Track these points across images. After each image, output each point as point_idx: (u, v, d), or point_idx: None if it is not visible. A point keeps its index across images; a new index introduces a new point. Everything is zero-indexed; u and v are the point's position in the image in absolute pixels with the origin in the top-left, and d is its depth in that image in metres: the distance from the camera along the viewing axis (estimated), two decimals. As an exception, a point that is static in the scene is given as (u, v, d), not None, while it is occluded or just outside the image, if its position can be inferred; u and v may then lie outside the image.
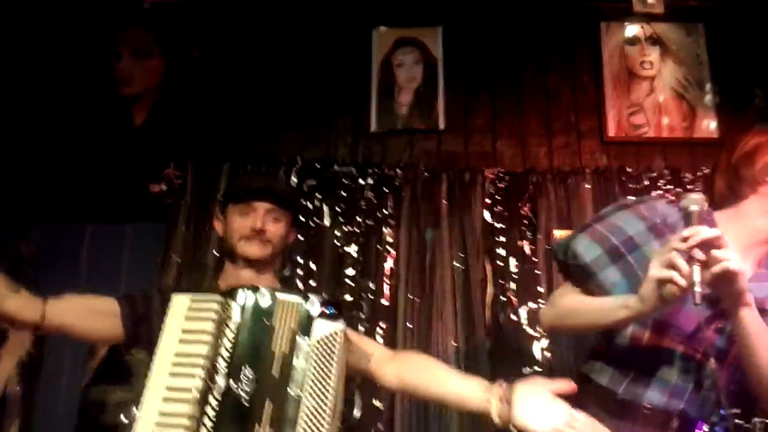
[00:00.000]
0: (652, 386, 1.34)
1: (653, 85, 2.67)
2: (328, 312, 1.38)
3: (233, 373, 1.25)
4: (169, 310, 1.30)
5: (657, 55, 2.70)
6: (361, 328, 2.23)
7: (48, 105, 2.57)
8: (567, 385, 1.30)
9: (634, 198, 1.52)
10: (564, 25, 2.69)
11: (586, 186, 2.43)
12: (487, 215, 2.41)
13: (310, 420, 1.28)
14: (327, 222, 2.40)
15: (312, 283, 2.30)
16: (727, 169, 1.39)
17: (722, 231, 1.23)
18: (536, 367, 2.16)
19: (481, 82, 2.65)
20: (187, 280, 2.19)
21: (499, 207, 2.42)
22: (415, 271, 2.31)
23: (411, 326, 2.22)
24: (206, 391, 1.23)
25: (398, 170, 2.46)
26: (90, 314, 1.46)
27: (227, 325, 1.29)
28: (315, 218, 2.40)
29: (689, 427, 1.33)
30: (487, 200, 2.42)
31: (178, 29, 2.64)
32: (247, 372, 1.26)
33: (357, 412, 2.12)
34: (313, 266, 2.34)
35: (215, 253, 2.27)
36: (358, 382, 2.14)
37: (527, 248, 2.36)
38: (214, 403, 1.23)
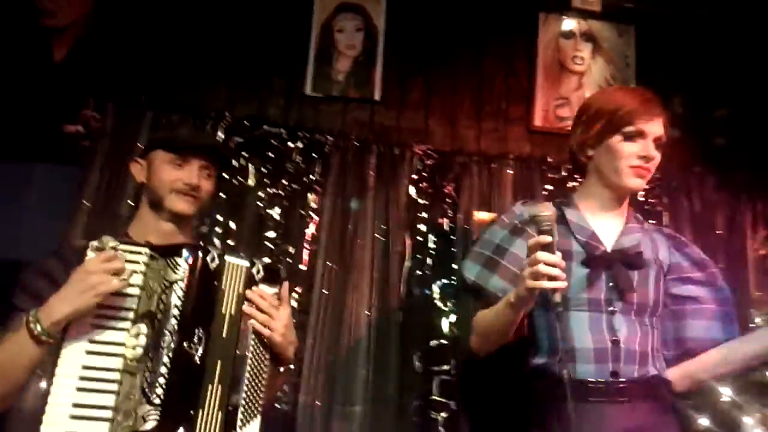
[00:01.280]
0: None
1: (582, 81, 2.77)
2: (269, 276, 1.44)
3: (185, 332, 1.25)
4: (86, 257, 1.25)
5: (589, 51, 2.80)
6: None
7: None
8: None
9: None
10: (504, 12, 2.73)
11: (509, 172, 2.51)
12: (412, 190, 2.45)
13: (254, 378, 1.34)
14: (251, 182, 2.37)
15: (231, 242, 2.27)
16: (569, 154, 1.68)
17: (584, 207, 1.56)
18: (443, 340, 2.25)
19: (419, 57, 2.67)
20: (96, 227, 2.11)
21: (424, 183, 2.47)
22: (336, 239, 2.33)
23: (326, 293, 2.25)
24: (152, 347, 1.23)
25: (329, 137, 2.45)
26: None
27: (174, 283, 1.27)
28: (239, 177, 2.36)
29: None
30: (414, 176, 2.46)
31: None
32: (199, 332, 1.27)
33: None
34: (233, 226, 2.31)
35: (129, 202, 2.20)
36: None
37: (446, 226, 2.42)
38: (165, 360, 1.23)
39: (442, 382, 2.18)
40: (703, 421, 1.91)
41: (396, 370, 2.18)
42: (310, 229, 2.35)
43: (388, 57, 2.62)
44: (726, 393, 1.60)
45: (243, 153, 2.39)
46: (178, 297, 1.27)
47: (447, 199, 2.46)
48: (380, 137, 2.52)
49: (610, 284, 1.46)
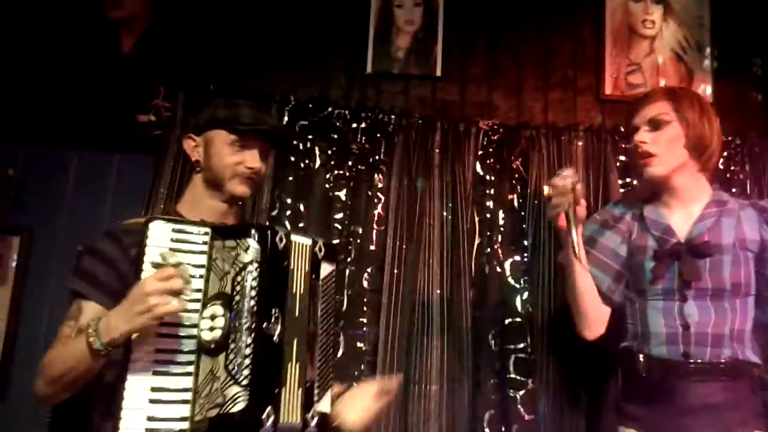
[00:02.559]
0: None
1: (653, 45, 2.64)
2: (330, 254, 1.45)
3: (263, 313, 1.25)
4: (147, 238, 1.24)
5: (660, 14, 2.66)
6: (347, 272, 2.24)
7: (33, 28, 2.45)
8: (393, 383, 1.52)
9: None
10: (568, -23, 2.63)
11: (579, 143, 2.42)
12: (478, 166, 2.40)
13: (324, 355, 1.39)
14: (317, 164, 2.38)
15: (300, 225, 2.29)
16: None
17: (662, 201, 1.67)
18: (517, 318, 2.21)
19: (481, 31, 2.60)
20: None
21: (490, 159, 2.41)
22: (404, 218, 2.31)
23: (397, 272, 2.24)
24: (232, 329, 1.23)
25: (392, 116, 2.43)
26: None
27: (249, 264, 1.26)
28: (306, 160, 2.37)
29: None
30: (480, 152, 2.41)
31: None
32: (275, 312, 1.28)
33: (340, 352, 2.16)
34: (301, 208, 2.33)
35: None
36: (341, 325, 2.18)
37: (516, 202, 2.37)
38: (248, 341, 1.23)
39: (518, 359, 2.15)
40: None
41: (470, 349, 2.16)
42: (378, 210, 2.34)
43: (448, 31, 2.57)
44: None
45: (308, 135, 2.39)
46: (254, 278, 1.26)
47: (515, 175, 2.40)
48: (443, 114, 2.48)
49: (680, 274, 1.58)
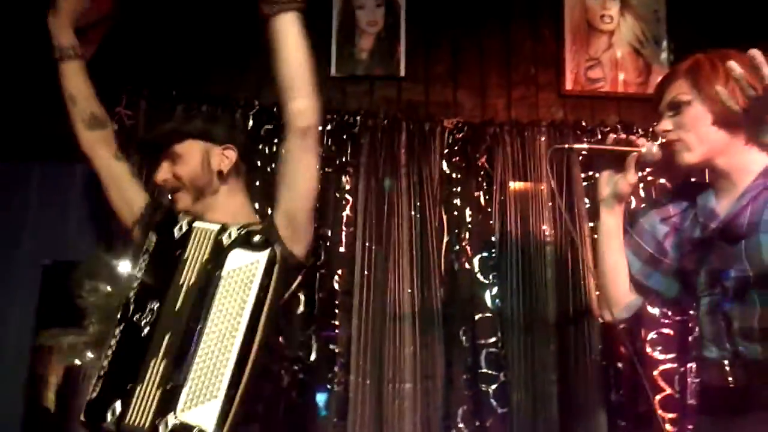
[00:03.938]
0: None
1: (611, 40, 2.70)
2: (247, 242, 1.27)
3: (139, 306, 1.24)
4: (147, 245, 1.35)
5: (617, 9, 2.71)
6: (318, 275, 2.25)
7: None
8: None
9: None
10: (527, -25, 2.67)
11: (542, 139, 2.47)
12: (444, 165, 2.43)
13: (213, 353, 1.18)
14: (285, 167, 2.37)
15: (269, 229, 2.29)
16: None
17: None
18: (487, 313, 2.25)
19: (443, 29, 2.62)
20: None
21: (456, 157, 2.44)
22: (373, 219, 2.33)
23: (367, 273, 2.26)
24: (120, 324, 1.27)
25: (358, 117, 2.44)
26: (123, 180, 1.56)
27: (142, 256, 1.30)
28: (272, 164, 2.37)
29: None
30: (446, 150, 2.44)
31: (127, -46, 2.49)
32: (152, 305, 1.23)
33: (313, 356, 2.17)
34: (269, 212, 2.32)
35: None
36: (314, 328, 2.19)
37: (482, 199, 2.40)
38: (116, 332, 1.24)
39: (489, 354, 2.18)
40: None
41: (443, 346, 2.19)
42: (346, 211, 2.35)
43: (411, 31, 2.58)
44: None
45: (274, 140, 2.39)
46: (140, 269, 1.27)
47: (481, 172, 2.44)
48: (409, 113, 2.50)
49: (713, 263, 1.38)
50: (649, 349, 2.22)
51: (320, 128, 2.36)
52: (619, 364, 2.19)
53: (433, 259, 2.28)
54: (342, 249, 2.31)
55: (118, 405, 1.16)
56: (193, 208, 1.42)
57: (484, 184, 2.42)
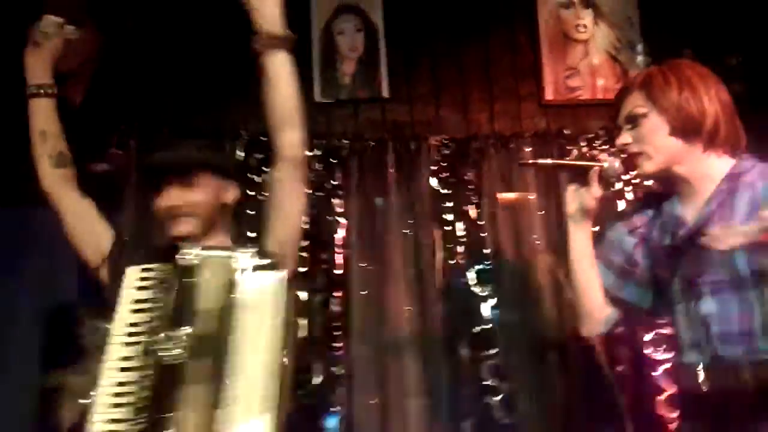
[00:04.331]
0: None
1: (587, 48, 2.76)
2: (259, 264, 1.32)
3: (166, 335, 1.26)
4: (123, 283, 1.33)
5: (591, 18, 2.78)
6: (316, 298, 2.28)
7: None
8: None
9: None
10: (502, -9, 2.73)
11: (527, 149, 2.51)
12: (433, 182, 2.47)
13: (245, 375, 1.22)
14: (277, 195, 2.41)
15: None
16: None
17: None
18: (485, 325, 2.28)
19: (422, 49, 2.68)
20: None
21: (444, 173, 2.49)
22: (367, 239, 2.37)
23: (365, 293, 2.28)
24: (146, 356, 1.26)
25: (344, 141, 2.48)
26: (88, 218, 1.55)
27: (168, 290, 1.30)
28: (264, 192, 2.40)
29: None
30: (433, 167, 2.48)
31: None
32: (179, 333, 1.25)
33: (316, 379, 2.18)
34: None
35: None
36: (315, 352, 2.21)
37: (473, 212, 2.44)
38: (145, 364, 1.25)
39: (491, 365, 2.21)
40: None
41: (444, 360, 2.22)
42: (340, 233, 2.39)
43: (391, 53, 2.64)
44: None
45: (264, 168, 2.43)
46: (159, 299, 1.31)
47: (469, 186, 2.48)
48: (394, 134, 2.55)
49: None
50: (649, 350, 2.25)
51: (308, 153, 2.44)
52: (620, 369, 2.21)
53: (428, 275, 2.31)
54: (338, 271, 2.34)
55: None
56: (194, 236, 1.46)
57: (473, 197, 2.46)
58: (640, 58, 2.76)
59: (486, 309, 2.30)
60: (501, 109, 2.64)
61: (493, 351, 2.22)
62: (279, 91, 1.47)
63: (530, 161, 1.50)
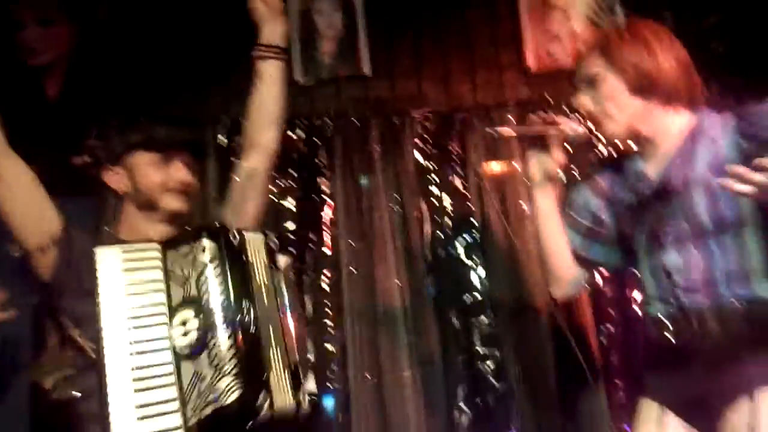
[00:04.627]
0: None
1: (568, 14, 2.74)
2: (282, 246, 1.47)
3: (234, 306, 1.28)
4: (97, 265, 1.28)
5: (569, -17, 2.76)
6: (306, 278, 2.29)
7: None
8: None
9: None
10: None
11: (510, 118, 2.50)
12: (418, 156, 2.47)
13: (292, 341, 1.37)
14: (261, 178, 2.40)
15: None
16: None
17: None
18: (476, 294, 2.29)
19: (402, 23, 2.65)
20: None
21: (429, 147, 2.48)
22: (354, 217, 2.37)
23: (354, 271, 2.29)
24: (207, 327, 1.25)
25: (328, 120, 2.47)
26: (36, 192, 1.45)
27: (209, 263, 1.28)
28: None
29: None
30: (418, 141, 2.48)
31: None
32: (245, 304, 1.30)
33: (311, 357, 2.20)
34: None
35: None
36: (307, 331, 2.21)
37: (459, 184, 2.44)
38: (227, 334, 1.25)
39: (483, 334, 2.22)
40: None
41: (436, 331, 2.23)
42: (327, 213, 2.39)
43: (370, 30, 2.61)
44: None
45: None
46: (217, 275, 1.28)
47: (454, 158, 2.48)
48: (377, 110, 2.53)
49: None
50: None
51: (292, 135, 2.44)
52: (611, 328, 2.23)
53: (417, 249, 2.32)
54: (326, 250, 2.34)
55: (263, 394, 1.24)
56: (182, 214, 1.53)
57: (459, 169, 2.46)
58: (619, 22, 2.74)
59: (475, 278, 2.31)
60: (483, 79, 2.63)
61: (483, 319, 2.24)
62: (270, 94, 1.65)
63: (492, 129, 1.48)
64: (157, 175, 1.48)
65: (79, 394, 1.42)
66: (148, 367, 1.25)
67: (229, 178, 2.30)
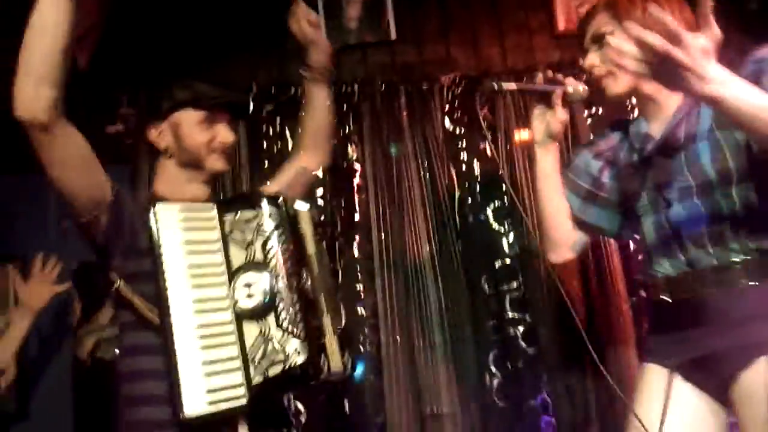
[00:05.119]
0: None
1: (598, -25, 2.67)
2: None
3: (296, 272, 1.34)
4: (157, 222, 1.30)
5: (600, -59, 2.67)
6: (336, 244, 2.31)
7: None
8: None
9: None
10: None
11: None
12: (447, 122, 2.45)
13: (339, 307, 1.48)
14: (290, 146, 2.41)
15: (283, 206, 2.34)
16: None
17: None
18: (506, 260, 2.29)
19: (429, -14, 2.62)
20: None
21: (458, 112, 2.46)
22: (383, 183, 2.37)
23: (384, 236, 2.30)
24: (273, 290, 1.30)
25: (355, 86, 2.46)
26: (89, 157, 1.37)
27: (274, 230, 1.33)
28: (278, 143, 2.41)
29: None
30: (447, 107, 2.46)
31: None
32: (304, 271, 1.36)
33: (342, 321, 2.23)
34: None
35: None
36: (338, 296, 2.24)
37: (489, 150, 2.42)
38: (294, 298, 1.31)
39: (513, 299, 2.24)
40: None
41: (467, 296, 2.25)
42: (356, 179, 2.39)
43: (396, -7, 2.58)
44: None
45: (276, 119, 2.43)
46: (282, 242, 1.33)
47: (484, 124, 2.45)
48: (405, 76, 2.51)
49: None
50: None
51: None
52: (643, 294, 2.22)
53: (447, 215, 2.32)
54: (357, 216, 2.36)
55: (323, 357, 1.32)
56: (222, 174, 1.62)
57: (489, 135, 2.44)
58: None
59: (505, 244, 2.31)
60: (512, 43, 2.58)
61: (514, 284, 2.24)
62: (316, 120, 1.71)
63: (494, 85, 1.43)
64: (204, 134, 1.47)
65: (118, 352, 1.45)
66: (209, 326, 1.28)
67: (257, 145, 2.36)
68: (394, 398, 2.16)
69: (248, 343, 1.29)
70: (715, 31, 1.07)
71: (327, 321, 1.36)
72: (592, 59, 1.43)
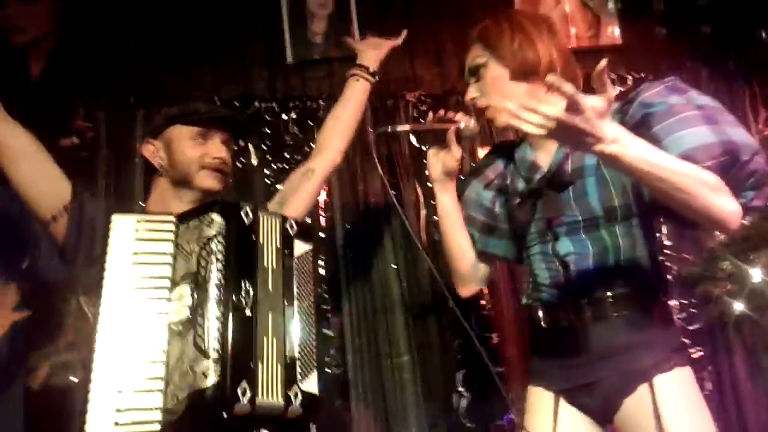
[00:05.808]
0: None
1: (560, -6, 2.73)
2: (302, 232, 1.39)
3: (232, 285, 1.21)
4: (110, 232, 1.24)
5: (561, -35, 2.75)
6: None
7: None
8: None
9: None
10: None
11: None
12: (413, 138, 2.45)
13: (303, 330, 1.32)
14: (254, 161, 2.37)
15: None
16: None
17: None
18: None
19: (393, 3, 2.62)
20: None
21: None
22: (349, 200, 2.35)
23: (350, 255, 2.28)
24: (199, 303, 1.19)
25: (320, 102, 2.44)
26: (44, 168, 1.37)
27: (212, 238, 1.23)
28: (242, 158, 2.36)
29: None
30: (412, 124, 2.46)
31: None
32: (245, 285, 1.23)
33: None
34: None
35: (141, 203, 2.20)
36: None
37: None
38: (216, 314, 1.18)
39: (479, 317, 2.24)
40: (738, 306, 1.98)
41: (433, 315, 2.24)
42: (322, 196, 2.36)
43: (361, 8, 2.58)
44: (757, 275, 1.60)
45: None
46: (219, 251, 1.22)
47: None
48: (370, 92, 2.49)
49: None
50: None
51: (285, 117, 2.40)
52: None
53: (414, 232, 2.31)
54: (322, 234, 2.32)
55: (243, 384, 1.16)
56: (217, 193, 1.48)
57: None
58: (610, 5, 2.75)
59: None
60: (476, 61, 2.61)
61: (479, 303, 2.25)
62: (349, 108, 1.77)
63: (387, 128, 1.46)
64: (195, 149, 1.43)
65: (76, 380, 1.38)
66: (142, 342, 1.19)
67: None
68: (362, 420, 2.12)
69: (171, 362, 1.18)
70: (610, 92, 1.10)
71: (267, 345, 1.21)
72: (472, 92, 1.44)
